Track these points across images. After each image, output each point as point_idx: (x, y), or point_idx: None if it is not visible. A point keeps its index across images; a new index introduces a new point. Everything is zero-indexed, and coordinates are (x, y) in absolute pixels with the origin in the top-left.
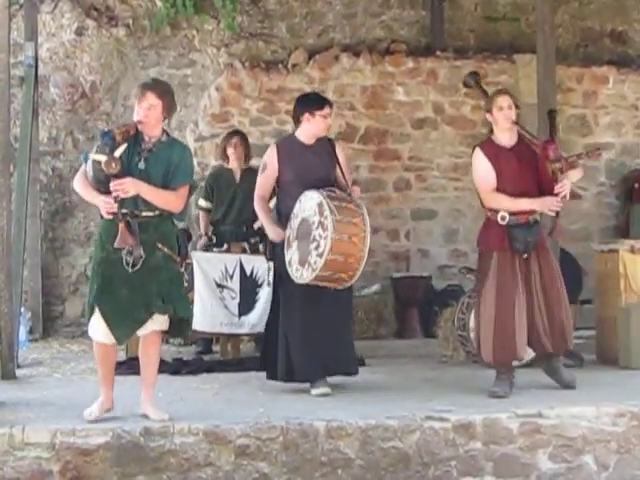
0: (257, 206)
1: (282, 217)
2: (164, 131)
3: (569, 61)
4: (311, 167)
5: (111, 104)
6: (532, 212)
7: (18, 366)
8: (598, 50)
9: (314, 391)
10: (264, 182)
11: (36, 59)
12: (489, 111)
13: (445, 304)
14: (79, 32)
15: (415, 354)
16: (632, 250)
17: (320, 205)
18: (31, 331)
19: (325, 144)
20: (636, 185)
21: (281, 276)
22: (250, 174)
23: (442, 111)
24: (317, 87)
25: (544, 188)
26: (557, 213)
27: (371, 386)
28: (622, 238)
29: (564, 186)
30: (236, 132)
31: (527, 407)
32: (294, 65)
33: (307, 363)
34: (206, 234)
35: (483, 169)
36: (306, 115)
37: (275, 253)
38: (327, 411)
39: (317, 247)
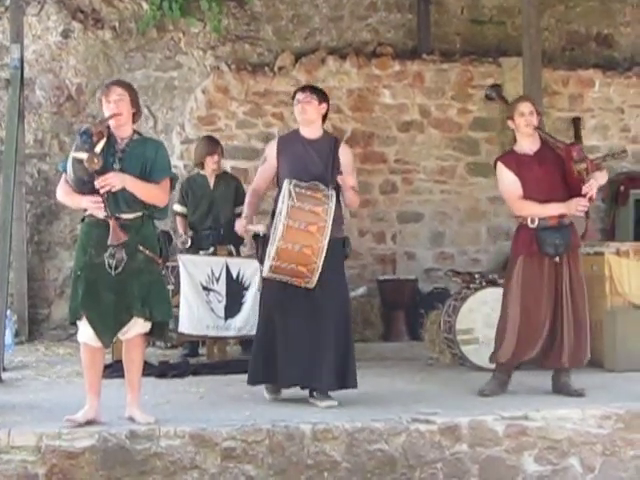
0: (247, 196)
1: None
2: (135, 131)
3: (555, 64)
4: (307, 163)
5: (97, 107)
6: (562, 215)
7: (4, 369)
8: (584, 53)
9: (268, 395)
10: (260, 174)
11: (22, 61)
12: (510, 118)
13: (431, 307)
14: (65, 34)
15: (401, 357)
16: (618, 253)
17: (284, 192)
18: (17, 334)
19: (329, 142)
20: (622, 188)
21: (264, 279)
22: (224, 179)
23: (428, 114)
24: None
25: (572, 190)
26: (587, 215)
27: (357, 389)
28: (608, 241)
29: (591, 186)
30: (216, 141)
31: (513, 409)
32: (280, 68)
33: (284, 369)
34: (185, 233)
35: (507, 180)
36: (294, 107)
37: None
38: (313, 414)
39: (274, 235)
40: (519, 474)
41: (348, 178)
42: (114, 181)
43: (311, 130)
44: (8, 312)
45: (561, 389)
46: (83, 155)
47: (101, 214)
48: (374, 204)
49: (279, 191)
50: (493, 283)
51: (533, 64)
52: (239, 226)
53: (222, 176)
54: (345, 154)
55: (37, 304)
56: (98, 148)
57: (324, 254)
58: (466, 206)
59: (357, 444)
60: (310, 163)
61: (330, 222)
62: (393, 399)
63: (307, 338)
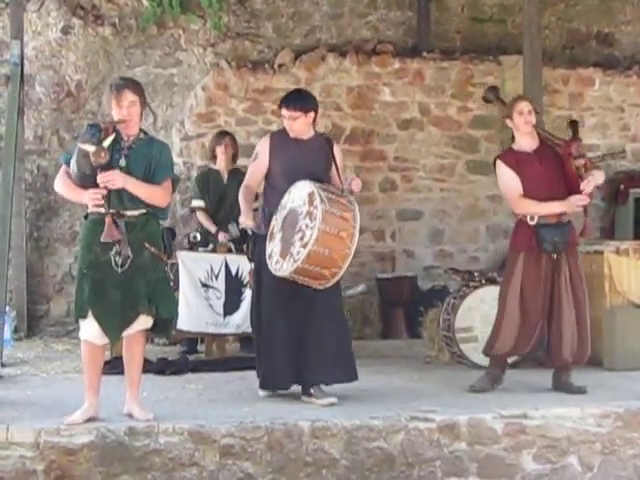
0: (241, 194)
1: (267, 214)
2: (140, 129)
3: (555, 63)
4: (303, 162)
5: (97, 103)
6: (562, 213)
7: (2, 365)
8: (584, 52)
9: (262, 392)
10: (252, 171)
11: (22, 58)
12: (509, 117)
13: (430, 305)
14: (65, 31)
15: (400, 355)
16: (617, 251)
17: (311, 194)
18: (16, 330)
19: (322, 141)
20: (621, 187)
21: (260, 277)
22: (237, 174)
23: (428, 112)
24: (303, 87)
25: (571, 187)
26: (585, 212)
27: (356, 386)
28: (607, 240)
29: (589, 182)
30: (226, 133)
31: (512, 408)
32: (280, 65)
33: (277, 370)
34: (214, 226)
35: (507, 178)
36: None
37: (256, 254)
38: (312, 411)
39: (302, 237)
40: (518, 472)
41: (357, 182)
42: (116, 179)
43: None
44: (7, 308)
45: (562, 387)
46: (90, 148)
47: (99, 209)
48: (373, 202)
49: (270, 188)
50: (492, 281)
51: (533, 62)
52: (247, 219)
53: (235, 172)
54: (338, 156)
55: (36, 300)
56: (106, 143)
57: (349, 260)
58: (465, 204)
59: (356, 442)
60: (304, 163)
61: (357, 229)
62: (392, 397)
63: (307, 335)
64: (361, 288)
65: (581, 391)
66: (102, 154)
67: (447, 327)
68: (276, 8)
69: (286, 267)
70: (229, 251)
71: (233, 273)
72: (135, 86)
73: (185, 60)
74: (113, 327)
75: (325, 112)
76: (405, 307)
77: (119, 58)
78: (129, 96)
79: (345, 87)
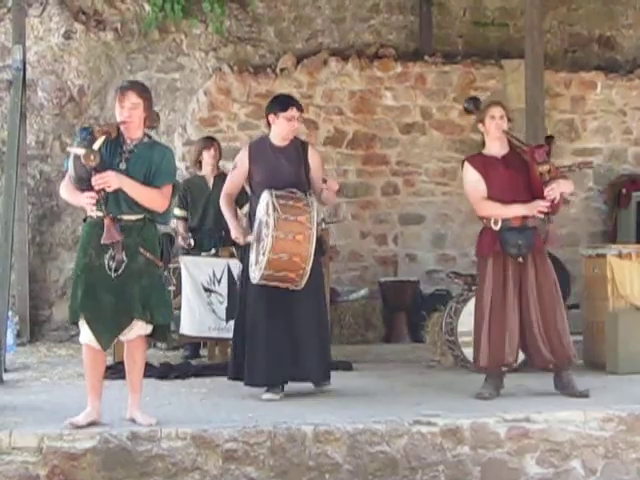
0: (222, 203)
1: (252, 222)
2: (145, 134)
3: (557, 66)
4: (280, 169)
5: (99, 108)
6: (526, 217)
7: (5, 370)
8: (586, 55)
9: (264, 395)
10: (232, 180)
11: (24, 63)
12: (481, 121)
13: (433, 309)
14: (67, 36)
15: (403, 359)
16: (620, 255)
17: (267, 204)
18: (18, 335)
19: (297, 146)
20: (624, 190)
21: (244, 280)
22: (222, 180)
23: (430, 116)
24: (305, 91)
25: (536, 193)
26: (548, 219)
27: (359, 390)
28: (610, 243)
29: (553, 190)
30: (213, 138)
31: (515, 412)
32: (282, 69)
33: (265, 368)
34: (184, 239)
35: (472, 180)
36: (271, 116)
37: (244, 259)
38: (315, 415)
39: (263, 246)
40: (521, 476)
41: (333, 184)
42: (111, 180)
43: (279, 138)
44: (10, 313)
45: (564, 387)
46: (81, 151)
47: (95, 212)
48: (376, 206)
49: (254, 196)
50: None
51: (535, 66)
52: (236, 231)
53: (221, 177)
54: (314, 158)
55: (38, 305)
56: (96, 145)
57: (312, 259)
58: (468, 208)
59: (359, 446)
60: (281, 170)
61: (315, 229)
62: (395, 401)
63: (290, 334)
64: (364, 292)
65: (584, 395)
66: (92, 157)
67: (450, 331)
68: (278, 12)
69: (257, 275)
70: (232, 256)
71: (235, 278)
72: (141, 90)
73: (187, 65)
74: (105, 332)
75: (327, 116)
76: (408, 311)
77: (121, 63)
78: (132, 98)
79: (347, 91)
